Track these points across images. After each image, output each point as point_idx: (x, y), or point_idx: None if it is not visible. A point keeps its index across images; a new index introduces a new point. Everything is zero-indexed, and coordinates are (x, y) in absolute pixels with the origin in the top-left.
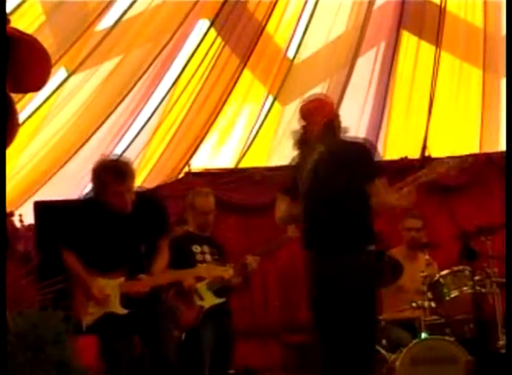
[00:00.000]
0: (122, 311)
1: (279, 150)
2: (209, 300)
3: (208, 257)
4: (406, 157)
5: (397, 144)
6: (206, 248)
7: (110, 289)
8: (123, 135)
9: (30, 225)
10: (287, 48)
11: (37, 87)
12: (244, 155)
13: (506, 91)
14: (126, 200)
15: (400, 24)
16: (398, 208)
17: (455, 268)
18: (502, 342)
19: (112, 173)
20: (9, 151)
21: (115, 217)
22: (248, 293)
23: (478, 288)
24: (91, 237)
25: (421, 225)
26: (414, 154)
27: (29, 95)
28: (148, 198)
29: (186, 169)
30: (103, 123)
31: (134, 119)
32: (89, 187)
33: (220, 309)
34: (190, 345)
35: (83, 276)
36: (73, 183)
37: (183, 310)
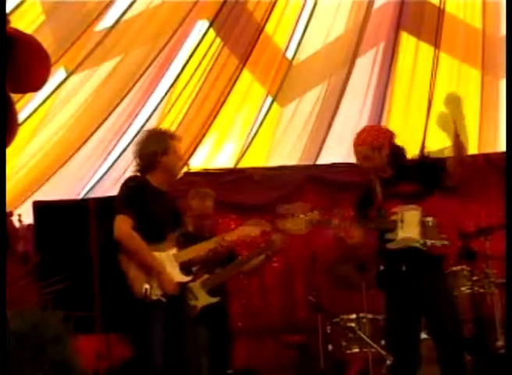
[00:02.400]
0: (186, 279)
1: (277, 150)
2: (203, 299)
3: None
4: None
5: (397, 142)
6: None
7: (168, 261)
8: (122, 135)
9: (29, 225)
10: (286, 48)
11: (37, 87)
12: (243, 155)
13: (506, 91)
14: (182, 159)
15: (398, 25)
16: None
17: (454, 268)
18: (500, 342)
19: (167, 134)
20: (9, 151)
21: (159, 191)
22: (247, 293)
23: (476, 288)
24: (146, 209)
25: None
26: (413, 154)
27: (28, 95)
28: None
29: (185, 169)
30: (102, 123)
31: (133, 120)
32: (88, 186)
33: (216, 309)
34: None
35: (155, 264)
36: (72, 183)
37: None
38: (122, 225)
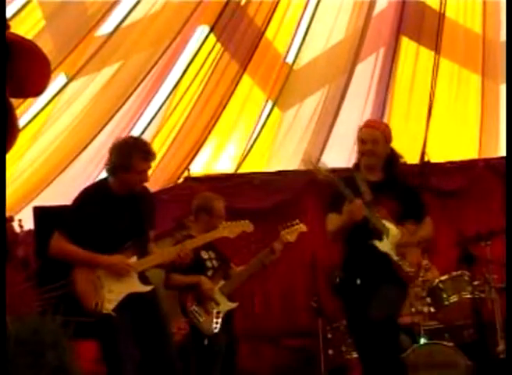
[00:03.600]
0: (145, 288)
1: (278, 155)
2: (224, 305)
3: (214, 263)
4: (405, 162)
5: (396, 149)
6: (212, 254)
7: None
8: None
9: (29, 230)
10: (287, 53)
11: (37, 93)
12: (244, 160)
13: (506, 95)
14: (143, 179)
15: (399, 30)
16: None
17: (454, 273)
18: (501, 347)
19: (140, 151)
20: (9, 157)
21: (122, 197)
22: (249, 298)
23: (477, 293)
24: (98, 219)
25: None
26: (414, 159)
27: (29, 101)
28: (146, 190)
29: (185, 174)
30: (102, 128)
31: (134, 125)
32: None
33: (229, 314)
34: (209, 350)
35: (92, 256)
36: (73, 189)
37: (203, 316)
38: (53, 242)
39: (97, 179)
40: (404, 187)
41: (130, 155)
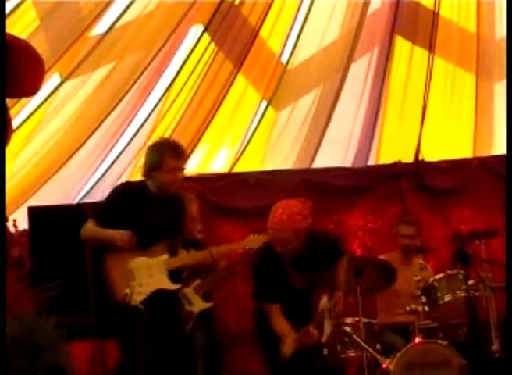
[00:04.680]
0: (173, 286)
1: (272, 154)
2: (199, 305)
3: None
4: (399, 161)
5: (391, 148)
6: (193, 252)
7: (156, 267)
8: (117, 141)
9: (24, 230)
10: (281, 53)
11: (31, 93)
12: (238, 159)
13: (506, 93)
14: (176, 178)
15: (393, 29)
16: None
17: (449, 272)
18: (495, 346)
19: (171, 150)
20: None
21: (158, 197)
22: (244, 297)
23: (471, 292)
24: (130, 214)
25: (414, 232)
26: (408, 158)
27: (22, 101)
28: (180, 195)
29: None
30: (97, 128)
31: (128, 125)
32: (84, 191)
33: (206, 314)
34: (183, 351)
35: (104, 233)
36: (67, 189)
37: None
38: (84, 227)
39: (93, 179)
40: (324, 251)
41: (161, 154)
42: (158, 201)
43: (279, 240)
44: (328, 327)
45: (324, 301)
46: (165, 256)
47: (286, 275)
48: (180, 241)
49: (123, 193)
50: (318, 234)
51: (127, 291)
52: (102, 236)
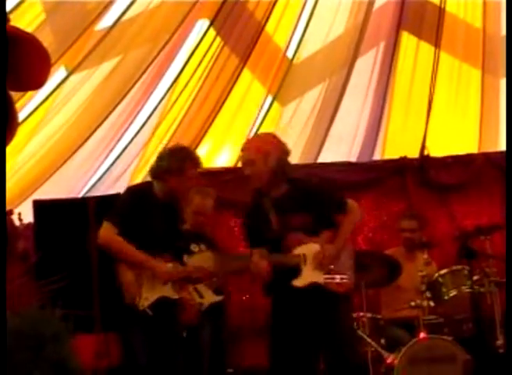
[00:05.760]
0: (175, 295)
1: None
2: (209, 297)
3: None
4: (405, 156)
5: (396, 143)
6: (203, 247)
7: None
8: (123, 134)
9: (29, 224)
10: (287, 47)
11: (37, 86)
12: None
13: (506, 90)
14: (191, 185)
15: (399, 25)
16: None
17: (454, 267)
18: (500, 341)
19: (193, 157)
20: (9, 150)
21: (163, 204)
22: (250, 292)
23: (476, 288)
24: (140, 221)
25: (416, 226)
26: (413, 153)
27: (28, 94)
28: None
29: None
30: (102, 122)
31: (134, 119)
32: (88, 185)
33: (216, 308)
34: (190, 344)
35: (145, 258)
36: (72, 183)
37: (183, 308)
38: (104, 232)
39: (97, 173)
40: (307, 193)
41: (185, 160)
42: (162, 208)
43: (249, 167)
44: (312, 275)
45: (309, 246)
46: (169, 265)
47: (269, 220)
48: (191, 236)
49: (138, 198)
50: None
51: (137, 296)
52: (138, 259)
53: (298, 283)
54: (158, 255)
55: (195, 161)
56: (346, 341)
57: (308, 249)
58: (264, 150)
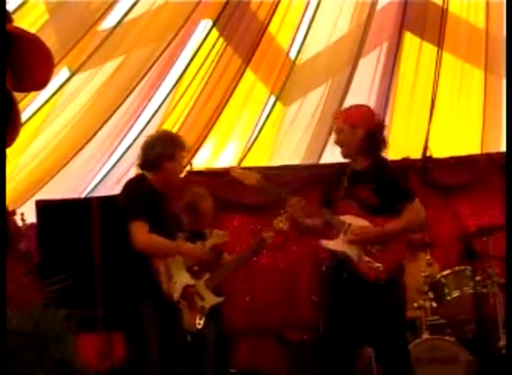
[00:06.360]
0: (192, 281)
1: (280, 150)
2: (210, 299)
3: None
4: (408, 157)
5: (399, 144)
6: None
7: (174, 265)
8: (126, 135)
9: (31, 224)
10: (289, 48)
11: (40, 86)
12: (246, 154)
13: (506, 91)
14: (181, 168)
15: (402, 25)
16: None
17: (456, 268)
18: (503, 342)
19: (177, 139)
20: (12, 150)
21: (162, 193)
22: (250, 292)
23: (479, 288)
24: (151, 214)
25: None
26: (416, 154)
27: (31, 94)
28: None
29: (187, 168)
30: (105, 122)
31: (136, 119)
32: (92, 185)
33: (216, 309)
34: (195, 347)
35: (177, 245)
36: (75, 182)
37: (186, 312)
38: (138, 235)
39: (100, 173)
40: (383, 176)
41: (173, 143)
42: (163, 198)
43: (337, 135)
44: (345, 246)
45: (359, 220)
46: (198, 246)
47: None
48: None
49: (142, 187)
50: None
51: (169, 287)
52: (174, 248)
53: (328, 244)
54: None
55: (182, 144)
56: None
57: (356, 221)
58: (352, 120)
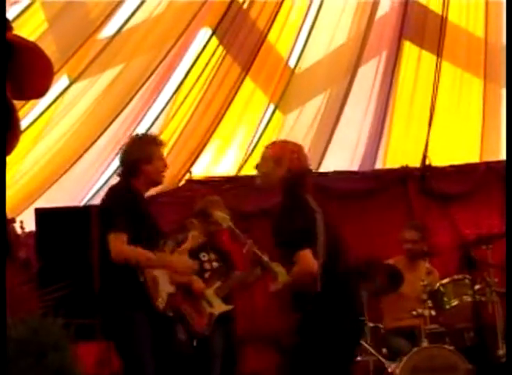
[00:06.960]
0: (174, 289)
1: None
2: (218, 307)
3: (214, 264)
4: (406, 165)
5: (398, 152)
6: (213, 256)
7: (161, 274)
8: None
9: (30, 232)
10: (289, 56)
11: (40, 95)
12: (245, 162)
13: (506, 99)
14: (163, 166)
15: (401, 34)
16: None
17: (455, 277)
18: (502, 351)
19: (150, 139)
20: (11, 158)
21: (143, 197)
22: (250, 298)
23: (478, 297)
24: (137, 218)
25: (418, 237)
26: (415, 162)
27: (31, 102)
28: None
29: (187, 176)
30: (105, 130)
31: (136, 127)
32: (91, 193)
33: (226, 316)
34: (201, 352)
35: (161, 258)
36: (74, 190)
37: (194, 317)
38: (115, 246)
39: (99, 182)
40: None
41: (148, 144)
42: (146, 203)
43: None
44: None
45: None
46: (186, 259)
47: None
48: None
49: (126, 194)
50: None
51: (160, 299)
52: (155, 261)
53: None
54: (157, 249)
55: (157, 141)
56: None
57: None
58: (279, 154)
